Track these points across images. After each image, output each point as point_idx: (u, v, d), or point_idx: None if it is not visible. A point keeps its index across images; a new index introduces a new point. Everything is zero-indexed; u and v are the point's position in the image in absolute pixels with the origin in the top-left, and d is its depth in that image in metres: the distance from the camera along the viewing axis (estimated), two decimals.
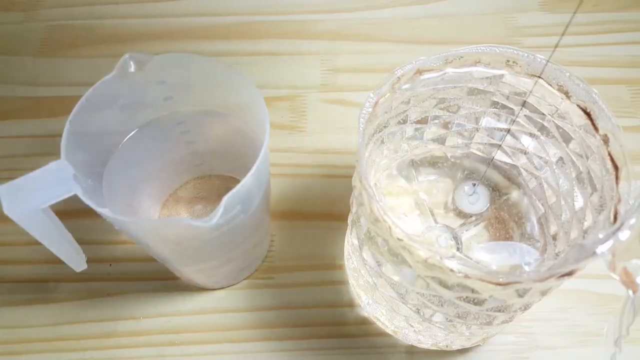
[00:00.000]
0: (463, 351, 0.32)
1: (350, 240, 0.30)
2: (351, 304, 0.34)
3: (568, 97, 0.26)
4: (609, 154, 0.24)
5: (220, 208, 0.22)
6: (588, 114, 0.26)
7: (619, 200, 0.23)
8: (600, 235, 0.21)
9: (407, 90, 0.27)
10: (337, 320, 0.33)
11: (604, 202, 0.24)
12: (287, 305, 0.34)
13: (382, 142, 0.30)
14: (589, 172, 0.26)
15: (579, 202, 0.27)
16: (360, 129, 0.24)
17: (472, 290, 0.22)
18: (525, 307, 0.26)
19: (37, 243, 0.25)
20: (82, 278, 0.33)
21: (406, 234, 0.22)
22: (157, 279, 0.34)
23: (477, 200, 0.32)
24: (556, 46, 0.21)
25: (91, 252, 0.30)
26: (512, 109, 0.29)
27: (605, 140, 0.25)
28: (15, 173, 0.24)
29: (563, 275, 0.21)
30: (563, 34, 0.20)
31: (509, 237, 0.32)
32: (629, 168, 0.23)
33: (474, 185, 0.32)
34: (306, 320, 0.33)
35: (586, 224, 0.26)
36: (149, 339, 0.33)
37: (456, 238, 0.32)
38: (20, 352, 0.32)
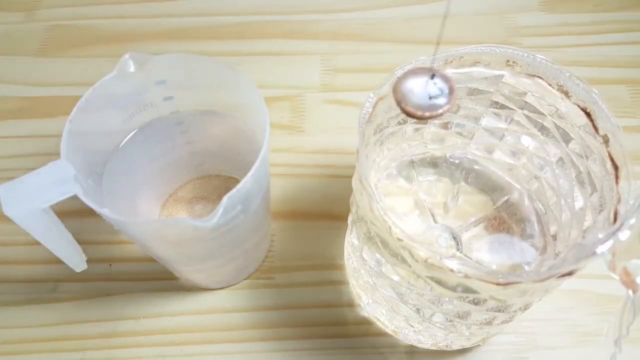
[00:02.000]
0: (463, 351, 0.32)
1: (350, 240, 0.30)
2: (351, 304, 0.34)
3: (568, 97, 0.26)
4: (609, 154, 0.24)
5: (220, 208, 0.22)
6: (588, 114, 0.26)
7: (619, 200, 0.23)
8: (600, 235, 0.21)
9: None
10: (337, 320, 0.33)
11: (604, 202, 0.24)
12: (287, 305, 0.34)
13: (382, 142, 0.30)
14: (588, 172, 0.26)
15: (579, 202, 0.27)
16: (360, 129, 0.24)
17: (472, 290, 0.22)
18: (525, 307, 0.26)
19: (37, 243, 0.25)
20: (82, 278, 0.33)
21: (406, 234, 0.22)
22: (157, 279, 0.34)
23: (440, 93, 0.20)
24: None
25: (91, 252, 0.30)
26: (512, 109, 0.29)
27: (605, 140, 0.25)
28: (15, 173, 0.24)
29: (563, 275, 0.21)
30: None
31: (509, 237, 0.32)
32: (629, 168, 0.23)
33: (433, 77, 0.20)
34: (306, 320, 0.33)
35: (586, 224, 0.26)
36: (149, 339, 0.33)
37: (456, 238, 0.32)
38: (20, 352, 0.32)
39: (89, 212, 0.24)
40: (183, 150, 0.34)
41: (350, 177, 0.27)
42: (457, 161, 0.34)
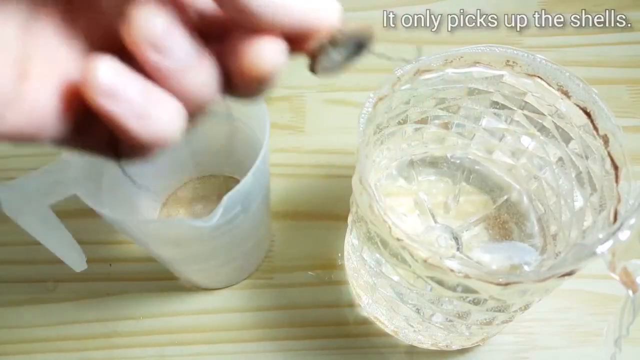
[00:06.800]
0: (463, 351, 0.32)
1: (350, 240, 0.30)
2: (351, 304, 0.34)
3: (568, 97, 0.26)
4: (609, 154, 0.24)
5: (220, 208, 0.22)
6: (588, 114, 0.26)
7: (619, 200, 0.23)
8: (600, 235, 0.21)
9: (407, 90, 0.27)
10: (337, 320, 0.33)
11: (604, 202, 0.24)
12: (287, 305, 0.34)
13: (382, 142, 0.30)
14: (588, 172, 0.26)
15: (578, 202, 0.27)
16: (360, 129, 0.24)
17: (472, 290, 0.22)
18: (525, 307, 0.26)
19: (37, 243, 0.25)
20: (82, 278, 0.33)
21: (406, 234, 0.22)
22: (157, 279, 0.34)
23: None
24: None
25: (91, 252, 0.30)
26: (512, 109, 0.29)
27: (605, 140, 0.25)
28: (15, 173, 0.23)
29: (563, 275, 0.21)
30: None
31: (509, 237, 0.32)
32: (629, 168, 0.23)
33: None
34: (306, 320, 0.33)
35: (586, 224, 0.26)
36: (149, 339, 0.33)
37: (456, 238, 0.32)
38: (20, 352, 0.32)
39: (89, 212, 0.24)
40: (183, 150, 0.34)
41: (350, 177, 0.27)
42: (458, 161, 0.34)
